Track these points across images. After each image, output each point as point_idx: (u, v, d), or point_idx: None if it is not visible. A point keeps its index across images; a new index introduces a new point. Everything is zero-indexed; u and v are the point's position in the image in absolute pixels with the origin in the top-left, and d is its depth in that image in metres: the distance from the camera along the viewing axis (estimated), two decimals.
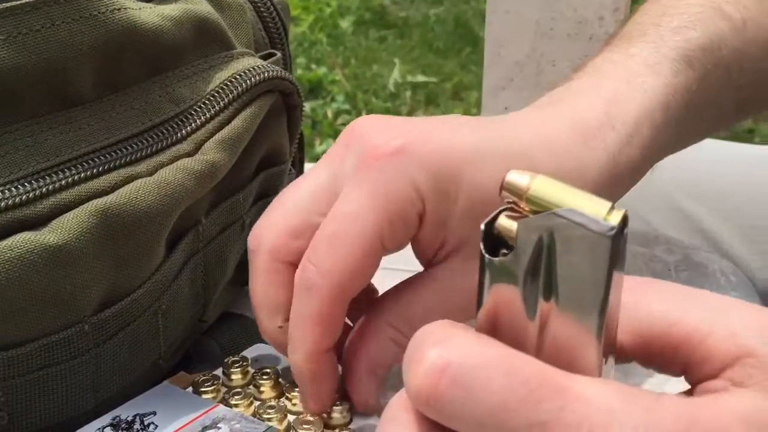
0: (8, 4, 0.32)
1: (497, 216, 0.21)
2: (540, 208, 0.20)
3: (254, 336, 0.38)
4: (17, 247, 0.30)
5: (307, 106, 2.08)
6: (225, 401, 0.35)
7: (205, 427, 0.33)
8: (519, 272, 0.21)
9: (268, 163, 0.43)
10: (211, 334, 0.42)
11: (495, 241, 0.21)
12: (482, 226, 0.21)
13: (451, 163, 0.33)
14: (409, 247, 0.35)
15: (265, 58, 0.42)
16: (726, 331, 0.21)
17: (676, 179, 0.65)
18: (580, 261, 0.20)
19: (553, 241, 0.20)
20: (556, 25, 0.96)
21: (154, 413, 0.34)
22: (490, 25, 1.01)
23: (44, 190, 0.32)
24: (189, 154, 0.37)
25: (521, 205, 0.21)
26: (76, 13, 0.33)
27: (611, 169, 0.35)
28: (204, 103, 0.38)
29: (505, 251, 0.21)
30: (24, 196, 0.31)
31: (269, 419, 0.34)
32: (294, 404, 0.35)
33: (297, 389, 0.35)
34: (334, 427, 0.34)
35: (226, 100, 0.38)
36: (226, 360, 0.37)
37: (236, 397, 0.35)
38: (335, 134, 2.03)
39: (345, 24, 2.50)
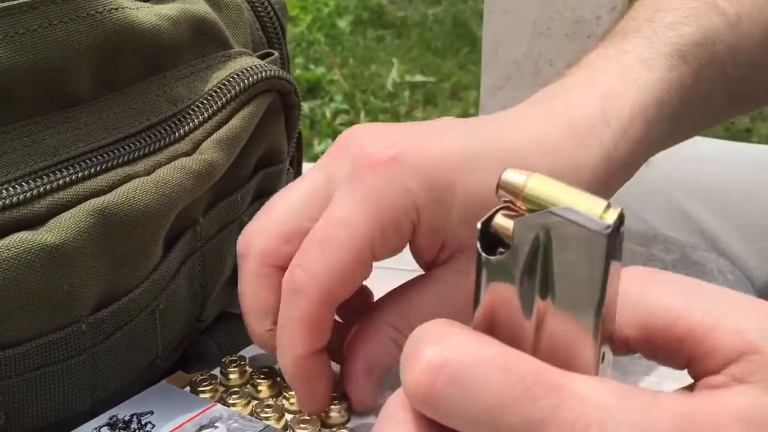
0: (5, 4, 0.32)
1: (494, 215, 0.21)
2: (536, 206, 0.20)
3: None
4: (14, 246, 0.30)
5: (306, 106, 2.08)
6: (222, 400, 0.35)
7: (203, 427, 0.33)
8: (515, 271, 0.21)
9: (265, 162, 0.43)
10: (209, 334, 0.42)
11: (492, 240, 0.21)
12: (479, 225, 0.21)
13: (445, 170, 0.33)
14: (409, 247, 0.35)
15: (262, 57, 0.42)
16: (732, 327, 0.21)
17: (674, 178, 0.65)
18: (576, 259, 0.20)
19: (550, 240, 0.20)
20: (554, 24, 0.96)
21: (152, 413, 0.34)
22: (488, 24, 1.01)
23: (41, 189, 0.32)
24: (187, 154, 0.37)
25: (518, 204, 0.21)
26: (73, 12, 0.33)
27: (606, 166, 0.35)
28: (202, 103, 0.38)
29: (501, 250, 0.21)
30: (21, 196, 0.31)
31: (267, 418, 0.34)
32: (291, 403, 0.35)
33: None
34: (331, 426, 0.34)
35: (223, 99, 0.38)
36: (223, 359, 0.37)
37: (234, 396, 0.35)
38: (334, 134, 2.03)
39: (343, 24, 2.50)
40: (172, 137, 0.36)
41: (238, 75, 0.39)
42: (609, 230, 0.20)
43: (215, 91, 0.38)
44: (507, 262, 0.21)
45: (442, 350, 0.20)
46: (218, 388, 0.36)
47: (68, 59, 0.33)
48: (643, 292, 0.22)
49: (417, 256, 0.35)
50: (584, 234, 0.20)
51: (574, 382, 0.20)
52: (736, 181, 0.65)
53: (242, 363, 0.37)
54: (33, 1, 0.32)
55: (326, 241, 0.32)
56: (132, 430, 0.33)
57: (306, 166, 0.51)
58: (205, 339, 0.42)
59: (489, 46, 1.01)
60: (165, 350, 0.38)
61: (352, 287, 0.33)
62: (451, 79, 2.23)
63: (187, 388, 0.36)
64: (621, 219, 0.20)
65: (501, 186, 0.21)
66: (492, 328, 0.21)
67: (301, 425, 0.34)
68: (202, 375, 0.36)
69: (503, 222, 0.21)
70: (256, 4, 0.45)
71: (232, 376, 0.37)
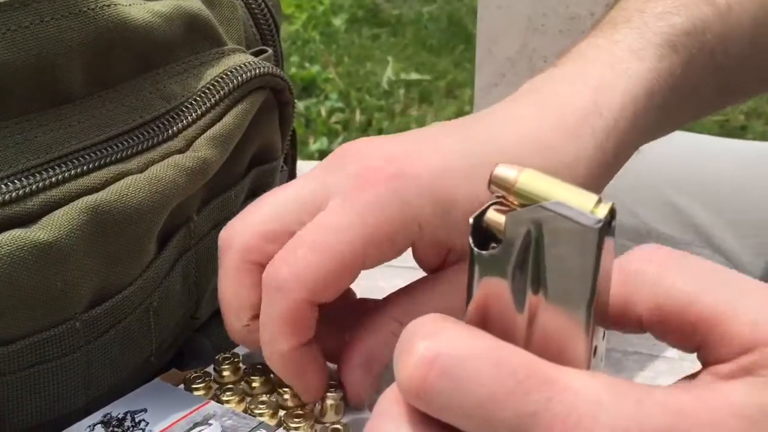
0: None
1: (486, 210, 0.21)
2: (528, 201, 0.21)
3: None
4: (7, 244, 0.30)
5: (301, 105, 2.08)
6: (216, 397, 0.35)
7: (196, 424, 0.33)
8: (507, 265, 0.21)
9: (260, 159, 0.43)
10: (203, 331, 0.42)
11: (484, 235, 0.21)
12: (471, 220, 0.21)
13: (445, 182, 0.33)
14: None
15: (256, 54, 0.42)
16: (750, 318, 0.21)
17: (667, 174, 0.65)
18: (567, 254, 0.20)
19: (541, 234, 0.20)
20: (548, 21, 0.96)
21: (146, 410, 0.34)
22: (482, 21, 1.02)
23: (34, 187, 0.32)
24: (180, 151, 0.37)
25: (509, 199, 0.21)
26: (65, 9, 0.33)
27: (600, 157, 0.35)
28: (195, 100, 0.38)
29: (494, 245, 0.21)
30: (14, 193, 0.31)
31: (261, 415, 0.34)
32: (285, 399, 0.35)
33: (288, 385, 0.35)
34: (325, 422, 0.34)
35: (217, 96, 0.38)
36: (217, 357, 0.37)
37: (228, 393, 0.35)
38: (329, 132, 2.03)
39: (338, 22, 2.50)
40: (165, 134, 0.36)
41: (231, 72, 0.39)
42: (600, 224, 0.20)
43: (209, 88, 0.38)
44: (499, 256, 0.21)
45: (435, 344, 0.21)
46: (212, 385, 0.36)
47: (60, 56, 0.33)
48: (662, 273, 0.22)
49: (422, 263, 0.35)
50: (575, 228, 0.20)
51: (566, 375, 0.20)
52: (729, 176, 0.65)
53: (236, 360, 0.37)
54: None
55: (317, 244, 0.32)
56: (126, 427, 0.33)
57: (301, 164, 0.51)
58: (200, 336, 0.42)
59: (483, 43, 1.01)
60: (159, 348, 0.38)
61: (337, 291, 0.33)
62: (446, 77, 2.23)
63: (181, 386, 0.36)
64: (612, 213, 0.20)
65: (493, 181, 0.21)
66: (484, 322, 0.22)
67: (295, 420, 0.34)
68: (195, 372, 0.36)
69: (495, 217, 0.21)
70: (250, 1, 0.45)
71: (225, 373, 0.36)
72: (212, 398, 0.35)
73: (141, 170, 0.35)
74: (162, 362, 0.39)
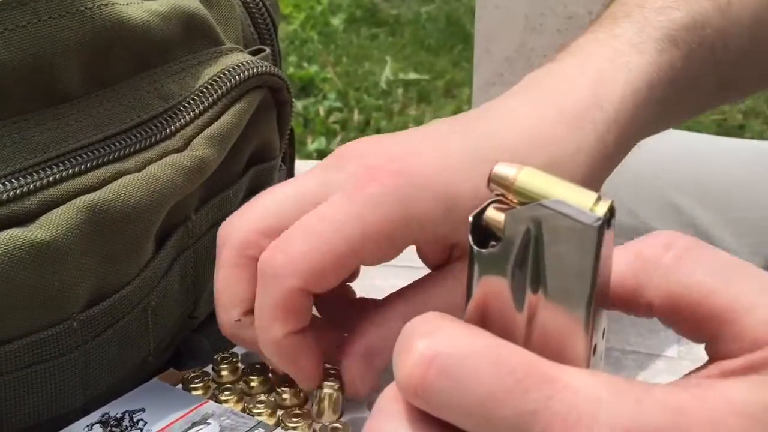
0: None
1: (486, 208, 0.21)
2: (527, 199, 0.20)
3: None
4: (4, 243, 0.30)
5: (299, 104, 2.08)
6: (215, 397, 0.35)
7: (195, 423, 0.33)
8: (507, 264, 0.21)
9: (257, 159, 0.43)
10: (202, 331, 0.42)
11: (484, 233, 0.21)
12: (470, 218, 0.21)
13: (447, 181, 0.33)
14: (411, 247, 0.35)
15: (254, 53, 0.42)
16: (765, 316, 0.20)
17: (666, 173, 0.65)
18: (566, 252, 0.20)
19: (540, 232, 0.20)
20: (546, 20, 0.96)
21: (144, 410, 0.34)
22: (480, 20, 1.02)
23: (32, 186, 0.32)
24: (178, 150, 0.36)
25: (509, 197, 0.21)
26: (62, 8, 0.33)
27: (602, 149, 0.35)
28: (193, 99, 0.38)
29: (493, 243, 0.21)
30: (11, 193, 0.31)
31: (259, 414, 0.34)
32: (284, 399, 0.35)
33: (286, 385, 0.35)
34: (324, 421, 0.34)
35: (215, 95, 0.38)
36: (215, 356, 0.37)
37: (226, 393, 0.35)
38: (327, 132, 2.03)
39: (336, 22, 2.50)
40: (163, 134, 0.36)
41: (229, 71, 0.39)
42: (599, 222, 0.20)
43: (206, 88, 0.38)
44: (498, 254, 0.21)
45: (434, 343, 0.20)
46: (210, 384, 0.36)
47: (58, 55, 0.33)
48: (678, 261, 0.22)
49: (426, 260, 0.35)
50: (574, 226, 0.20)
51: (565, 374, 0.20)
52: (727, 175, 0.65)
53: (234, 360, 0.37)
54: None
55: (315, 233, 0.32)
56: (124, 427, 0.33)
57: (299, 163, 0.51)
58: (198, 336, 0.42)
59: (481, 42, 1.01)
60: (157, 348, 0.38)
61: (332, 282, 0.33)
62: (444, 76, 2.23)
63: (179, 386, 0.36)
64: (611, 211, 0.20)
65: (492, 179, 0.21)
66: (484, 320, 0.21)
67: (293, 419, 0.33)
68: (194, 372, 0.36)
69: (495, 215, 0.21)
70: (248, 1, 0.45)
71: (224, 373, 0.36)
72: (210, 398, 0.35)
73: (139, 169, 0.35)
74: (160, 362, 0.39)
